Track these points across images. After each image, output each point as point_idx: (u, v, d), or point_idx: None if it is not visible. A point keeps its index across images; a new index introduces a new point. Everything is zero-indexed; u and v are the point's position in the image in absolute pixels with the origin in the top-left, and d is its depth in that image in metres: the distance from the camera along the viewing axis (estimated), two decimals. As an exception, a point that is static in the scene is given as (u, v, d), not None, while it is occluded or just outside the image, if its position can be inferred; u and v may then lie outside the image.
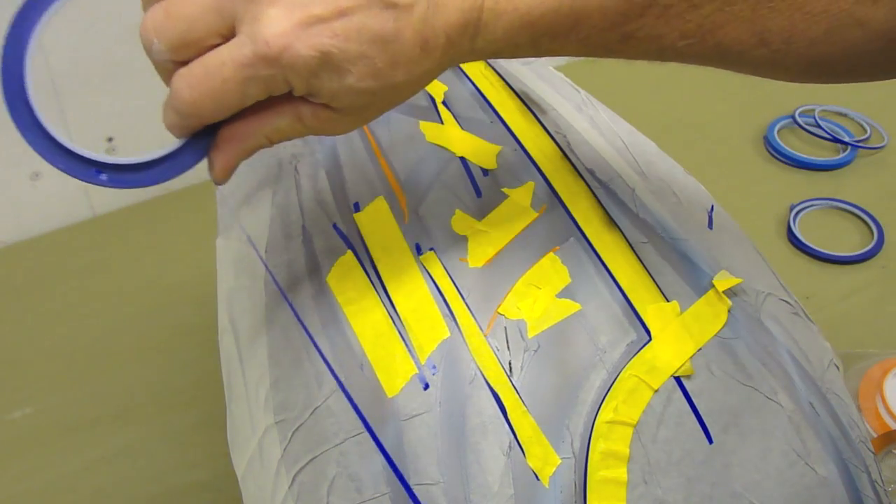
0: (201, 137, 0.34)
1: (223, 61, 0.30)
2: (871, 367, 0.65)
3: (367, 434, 0.35)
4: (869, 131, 0.93)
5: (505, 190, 0.42)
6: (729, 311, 0.38)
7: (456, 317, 0.37)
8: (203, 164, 0.35)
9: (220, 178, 0.35)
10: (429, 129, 0.44)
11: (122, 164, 0.35)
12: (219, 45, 0.31)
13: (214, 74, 0.31)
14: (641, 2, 0.33)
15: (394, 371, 0.36)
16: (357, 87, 0.31)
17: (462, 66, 0.49)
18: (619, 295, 0.38)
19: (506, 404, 0.34)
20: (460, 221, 0.40)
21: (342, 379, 0.36)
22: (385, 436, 0.35)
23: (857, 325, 0.71)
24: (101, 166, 0.34)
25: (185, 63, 0.31)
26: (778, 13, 0.33)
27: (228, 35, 0.31)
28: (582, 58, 0.37)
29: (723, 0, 0.32)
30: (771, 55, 0.34)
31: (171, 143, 0.35)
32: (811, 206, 0.83)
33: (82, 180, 0.34)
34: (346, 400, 0.36)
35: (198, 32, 0.31)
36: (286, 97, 0.32)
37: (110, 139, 0.86)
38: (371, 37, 0.31)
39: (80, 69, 0.81)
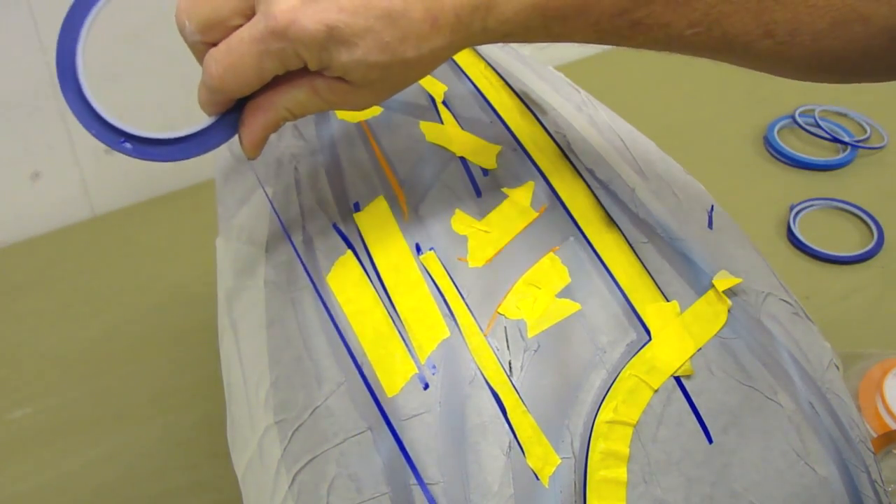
0: (230, 116, 0.37)
1: (242, 38, 0.33)
2: (871, 367, 0.64)
3: (367, 433, 0.35)
4: (869, 131, 0.93)
5: (505, 190, 0.42)
6: (729, 310, 0.38)
7: (456, 317, 0.37)
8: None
9: (251, 153, 0.37)
10: (429, 128, 0.45)
11: (150, 138, 0.37)
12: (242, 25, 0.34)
13: (234, 50, 0.33)
14: None
15: (394, 371, 0.36)
16: (366, 60, 0.33)
17: (462, 66, 0.49)
18: (619, 295, 0.38)
19: (506, 404, 0.34)
20: (460, 221, 0.40)
21: (342, 379, 0.36)
22: (385, 435, 0.35)
23: (857, 325, 0.71)
24: (128, 136, 0.37)
25: (214, 44, 0.34)
26: (783, 5, 0.33)
27: (250, 15, 0.34)
28: (591, 52, 0.37)
29: None
30: (776, 47, 0.34)
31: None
32: (811, 206, 0.83)
33: (109, 147, 0.37)
34: (346, 400, 0.36)
35: (222, 13, 0.34)
36: (303, 72, 0.35)
37: (110, 139, 0.86)
38: (378, 12, 0.32)
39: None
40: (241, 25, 0.34)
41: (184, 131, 0.37)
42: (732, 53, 0.36)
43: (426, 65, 0.35)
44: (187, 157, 0.37)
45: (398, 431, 0.34)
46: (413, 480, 0.34)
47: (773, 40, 0.34)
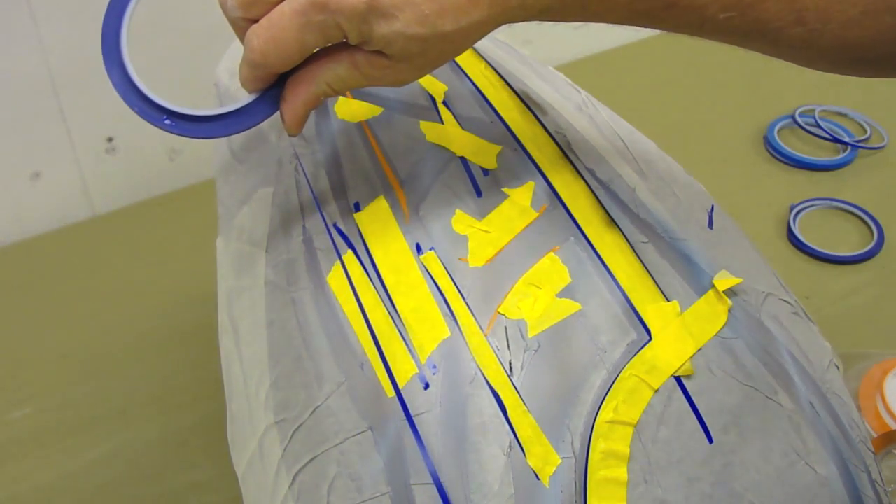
0: (271, 93, 0.37)
1: (283, 11, 0.34)
2: (871, 367, 0.65)
3: (367, 433, 0.35)
4: (869, 131, 0.93)
5: (505, 190, 0.42)
6: (729, 310, 0.38)
7: (456, 316, 0.37)
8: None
9: (292, 129, 0.38)
10: (429, 128, 0.45)
11: (191, 115, 0.38)
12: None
13: (276, 24, 0.34)
14: None
15: (394, 371, 0.36)
16: (406, 33, 0.33)
17: (462, 65, 0.49)
18: (620, 295, 0.38)
19: (506, 404, 0.34)
20: (460, 221, 0.40)
21: (342, 379, 0.36)
22: (385, 435, 0.35)
23: (857, 325, 0.71)
24: (170, 113, 0.38)
25: (255, 21, 0.35)
26: None
27: None
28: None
29: None
30: (807, 34, 0.35)
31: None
32: (811, 206, 0.83)
33: (150, 123, 0.38)
34: (346, 399, 0.36)
35: None
36: (343, 47, 0.35)
37: (110, 139, 0.86)
38: None
39: (80, 69, 0.81)
40: (281, 0, 0.34)
41: (225, 108, 0.38)
42: (763, 40, 0.36)
43: (465, 38, 0.35)
44: (228, 134, 0.38)
45: (399, 431, 0.34)
46: (413, 480, 0.34)
47: (804, 28, 0.34)
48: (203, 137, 0.38)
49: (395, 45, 0.34)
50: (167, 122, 0.38)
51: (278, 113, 0.38)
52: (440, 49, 0.35)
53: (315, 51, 0.36)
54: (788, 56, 0.37)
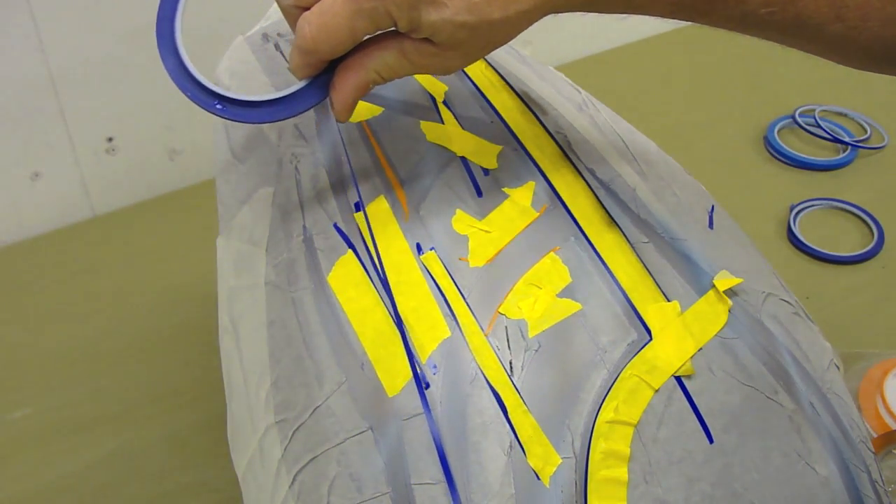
0: (320, 80, 0.38)
1: None
2: (871, 367, 0.64)
3: (368, 433, 0.35)
4: (869, 131, 0.93)
5: (506, 189, 0.42)
6: (729, 310, 0.38)
7: (457, 316, 0.37)
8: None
9: (341, 115, 0.38)
10: (429, 128, 0.45)
11: (242, 100, 0.39)
12: None
13: (327, 11, 0.35)
14: None
15: (395, 370, 0.36)
16: (454, 20, 0.34)
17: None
18: (620, 294, 0.38)
19: (506, 404, 0.34)
20: (461, 221, 0.40)
21: (343, 378, 0.36)
22: (385, 435, 0.35)
23: (857, 325, 0.71)
24: (221, 98, 0.39)
25: (307, 9, 0.36)
26: None
27: None
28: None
29: None
30: (847, 31, 0.35)
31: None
32: (811, 206, 0.83)
33: (202, 108, 0.39)
34: (346, 399, 0.36)
35: None
36: (392, 35, 0.36)
37: (110, 139, 0.86)
38: None
39: (80, 69, 0.81)
40: None
41: (275, 94, 0.39)
42: (802, 36, 0.36)
43: (512, 27, 0.36)
44: (277, 119, 0.39)
45: (399, 431, 0.34)
46: (413, 480, 0.34)
47: (844, 24, 0.35)
48: (253, 122, 0.39)
49: (443, 33, 0.35)
50: (218, 106, 0.38)
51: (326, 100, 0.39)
52: (487, 37, 0.36)
53: (364, 39, 0.37)
54: (827, 53, 0.38)
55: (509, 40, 0.37)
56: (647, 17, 0.38)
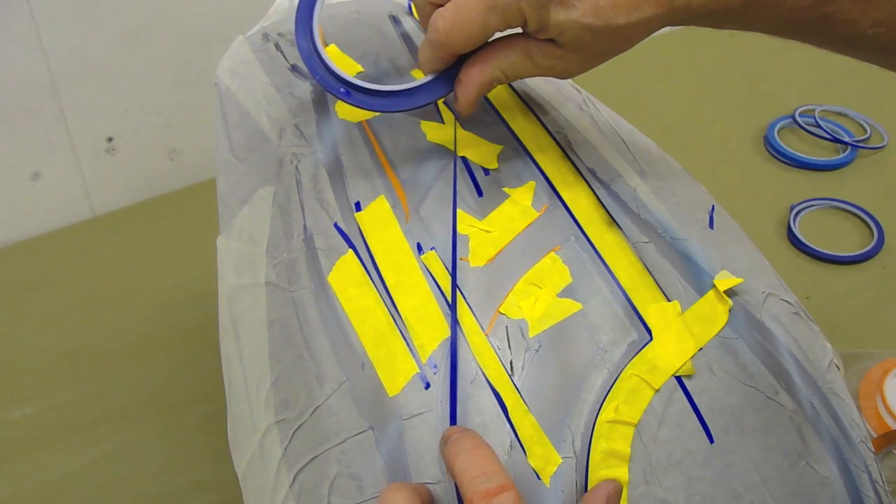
0: (445, 75, 0.40)
1: None
2: (871, 367, 0.65)
3: (368, 433, 0.35)
4: (869, 131, 0.93)
5: (506, 189, 0.42)
6: (730, 310, 0.38)
7: (457, 316, 0.37)
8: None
9: (465, 109, 0.40)
10: (430, 128, 0.45)
11: (368, 88, 0.41)
12: None
13: (462, 6, 0.37)
14: None
15: (395, 370, 0.36)
16: (581, 22, 0.36)
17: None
18: (621, 294, 0.38)
19: (507, 403, 0.34)
20: (462, 221, 0.40)
21: (343, 378, 0.36)
22: (386, 435, 0.35)
23: (857, 325, 0.71)
24: (348, 85, 0.41)
25: (441, 6, 0.38)
26: None
27: None
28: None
29: None
30: None
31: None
32: (811, 206, 0.83)
33: (329, 92, 0.41)
34: (347, 399, 0.36)
35: None
36: (518, 36, 0.38)
37: (110, 139, 0.86)
38: None
39: (80, 69, 0.81)
40: None
41: (402, 85, 0.41)
42: None
43: (634, 33, 0.37)
44: (401, 110, 0.41)
45: (399, 430, 0.34)
46: (414, 480, 0.34)
47: None
48: (378, 111, 0.41)
49: (569, 34, 0.36)
50: (343, 91, 0.40)
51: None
52: (610, 43, 0.38)
53: (492, 38, 0.38)
54: None
55: (628, 48, 0.38)
56: None
